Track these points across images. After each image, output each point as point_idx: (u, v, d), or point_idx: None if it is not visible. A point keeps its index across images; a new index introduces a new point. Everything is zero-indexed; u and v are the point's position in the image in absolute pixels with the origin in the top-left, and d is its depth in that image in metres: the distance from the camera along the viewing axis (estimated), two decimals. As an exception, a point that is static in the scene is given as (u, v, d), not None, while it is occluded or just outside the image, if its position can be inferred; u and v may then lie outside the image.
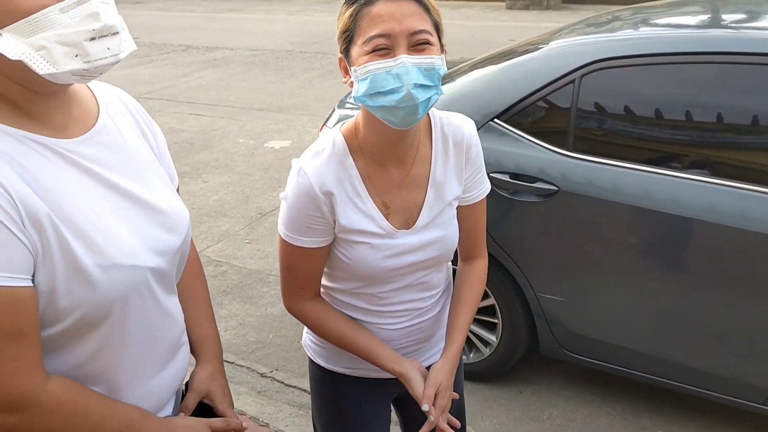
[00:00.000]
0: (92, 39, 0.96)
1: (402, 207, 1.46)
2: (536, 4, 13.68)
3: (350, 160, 1.41)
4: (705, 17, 3.03)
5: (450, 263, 1.67)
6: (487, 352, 2.99)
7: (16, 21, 0.93)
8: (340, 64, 1.38)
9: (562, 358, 2.83)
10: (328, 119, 3.39)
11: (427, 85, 1.28)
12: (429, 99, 1.29)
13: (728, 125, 2.49)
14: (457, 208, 1.55)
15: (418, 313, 1.59)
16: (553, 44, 2.83)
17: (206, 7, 16.42)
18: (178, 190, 1.30)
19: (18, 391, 0.97)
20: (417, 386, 1.47)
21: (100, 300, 1.03)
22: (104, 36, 0.98)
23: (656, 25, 2.97)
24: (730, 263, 2.38)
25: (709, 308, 2.45)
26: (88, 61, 0.97)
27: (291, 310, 1.56)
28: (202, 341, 1.36)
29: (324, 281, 1.58)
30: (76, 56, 0.96)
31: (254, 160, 5.94)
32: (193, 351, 1.35)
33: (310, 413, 1.83)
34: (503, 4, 14.24)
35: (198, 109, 7.55)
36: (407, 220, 1.47)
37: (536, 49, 2.90)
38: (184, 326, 1.29)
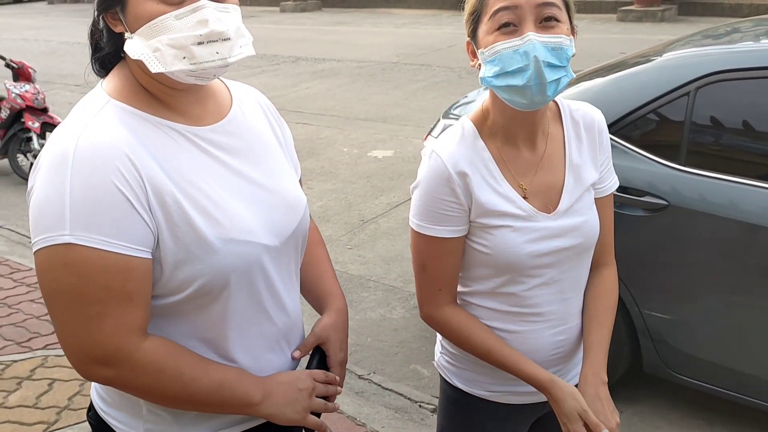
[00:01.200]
0: (200, 43, 1.07)
1: (540, 190, 1.40)
2: (649, 17, 13.24)
3: (481, 143, 1.37)
4: None
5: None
6: (587, 367, 2.93)
7: (141, 26, 1.07)
8: (467, 49, 1.36)
9: (667, 378, 2.74)
10: (432, 129, 3.43)
11: (556, 65, 1.24)
12: (558, 80, 1.26)
13: None
14: None
15: (563, 318, 1.47)
16: (666, 56, 2.77)
17: (316, 20, 16.91)
18: (300, 182, 1.39)
19: (114, 346, 1.07)
20: (566, 402, 1.33)
21: (219, 270, 1.12)
22: (213, 41, 1.08)
23: None
24: None
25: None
26: (195, 63, 1.08)
27: (428, 318, 1.46)
28: (327, 294, 1.43)
29: (458, 287, 1.49)
30: (184, 58, 1.07)
31: (357, 168, 6.07)
32: (319, 305, 1.42)
33: (419, 420, 1.81)
34: (614, 16, 13.87)
35: (305, 119, 7.78)
36: (547, 204, 1.40)
37: (647, 61, 2.84)
38: (301, 325, 1.36)
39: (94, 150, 1.04)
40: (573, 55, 1.28)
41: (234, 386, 1.18)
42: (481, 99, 3.34)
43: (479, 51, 1.31)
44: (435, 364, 1.64)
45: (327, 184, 5.74)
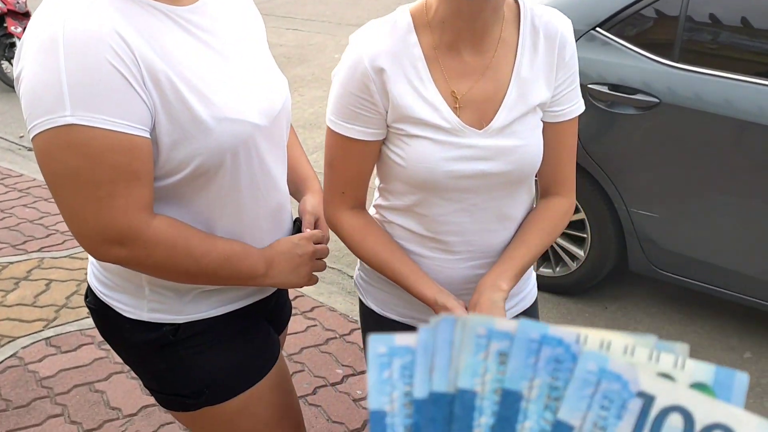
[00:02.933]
0: None
1: (476, 102, 1.20)
2: None
3: (414, 37, 1.18)
4: None
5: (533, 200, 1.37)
6: (574, 266, 3.00)
7: None
8: None
9: (652, 275, 2.81)
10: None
11: None
12: None
13: None
14: (542, 126, 1.28)
15: (484, 250, 1.30)
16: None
17: None
18: None
19: (126, 225, 1.08)
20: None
21: (215, 148, 1.13)
22: None
23: None
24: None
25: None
26: None
27: (329, 220, 1.33)
28: (304, 178, 1.47)
29: (377, 199, 1.36)
30: None
31: (349, 74, 5.98)
32: (296, 188, 1.45)
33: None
34: None
35: (295, 24, 7.62)
36: (480, 119, 1.20)
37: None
38: (290, 204, 1.38)
39: (85, 30, 1.02)
40: None
41: (240, 259, 1.22)
42: None
43: None
44: (354, 281, 1.51)
45: (318, 90, 5.67)
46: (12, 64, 5.97)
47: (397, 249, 1.29)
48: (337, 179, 1.28)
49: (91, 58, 1.01)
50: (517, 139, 1.21)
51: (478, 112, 1.20)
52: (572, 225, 2.94)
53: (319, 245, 1.35)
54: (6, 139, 4.88)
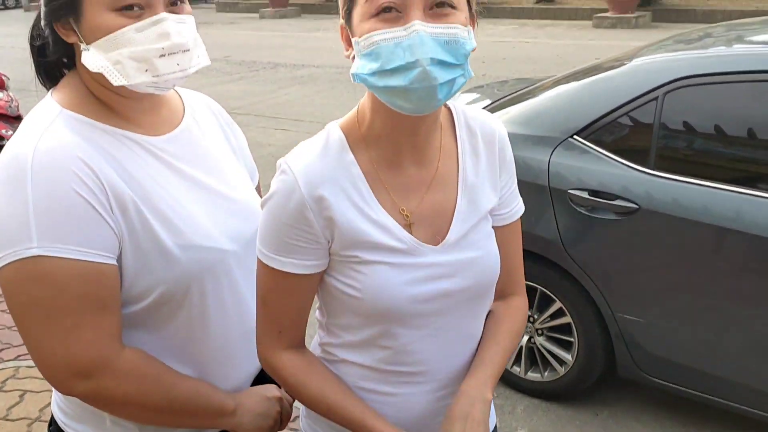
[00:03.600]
0: (161, 56, 1.08)
1: (427, 216, 1.13)
2: (624, 23, 13.40)
3: (350, 155, 1.10)
4: None
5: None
6: (562, 371, 2.95)
7: (99, 39, 1.06)
8: (341, 35, 1.09)
9: (641, 381, 2.76)
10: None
11: (449, 62, 0.98)
12: (452, 81, 1.00)
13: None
14: None
15: (450, 378, 1.20)
16: (636, 60, 2.80)
17: (295, 26, 16.90)
18: (259, 186, 1.40)
19: (96, 356, 1.06)
20: None
21: (180, 277, 1.12)
22: (174, 53, 1.09)
23: (748, 42, 2.89)
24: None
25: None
26: (157, 75, 1.08)
27: (265, 361, 1.19)
28: None
29: (323, 336, 1.23)
30: (146, 71, 1.07)
31: (336, 174, 6.05)
32: None
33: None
34: (590, 23, 14.02)
35: (283, 125, 7.76)
36: (434, 234, 1.13)
37: (621, 65, 2.87)
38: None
39: (52, 159, 1.03)
40: (473, 50, 1.02)
41: (210, 394, 1.19)
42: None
43: (353, 39, 1.04)
44: (300, 429, 1.34)
45: (305, 190, 5.72)
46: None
47: (347, 389, 1.17)
48: (272, 318, 1.16)
49: (58, 188, 1.02)
50: (475, 250, 1.15)
51: (431, 227, 1.13)
52: (559, 329, 2.91)
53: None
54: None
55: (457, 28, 0.99)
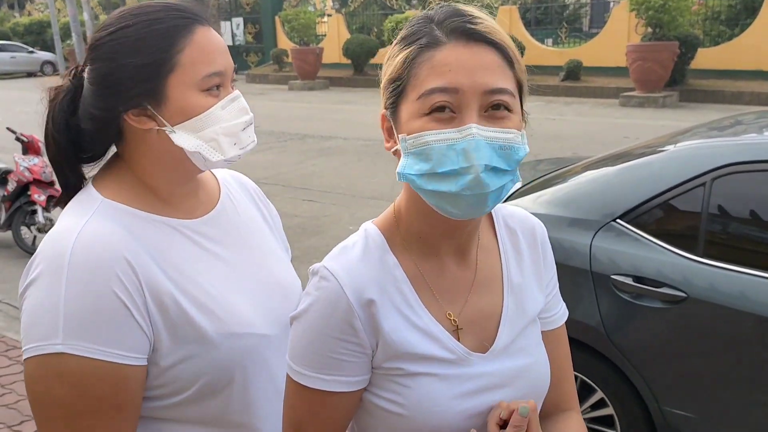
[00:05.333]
0: (244, 129, 1.13)
1: (473, 321, 1.05)
2: (651, 102, 13.48)
3: (392, 258, 1.02)
4: None
5: None
6: (603, 466, 2.79)
7: (187, 119, 1.07)
8: (382, 124, 1.02)
9: (689, 480, 2.59)
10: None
11: (502, 169, 0.92)
12: (502, 188, 0.94)
13: None
14: None
15: None
16: (680, 146, 2.76)
17: (322, 98, 17.26)
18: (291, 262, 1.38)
19: None
20: None
21: (221, 366, 1.10)
22: (249, 126, 1.16)
23: None
24: None
25: None
26: (242, 148, 1.14)
27: None
28: None
29: None
30: (235, 144, 1.12)
31: (363, 247, 6.01)
32: None
33: None
34: (617, 101, 14.14)
35: (311, 195, 7.80)
36: (482, 341, 1.05)
37: (654, 151, 2.84)
38: None
39: (91, 255, 1.02)
40: (524, 156, 0.96)
41: None
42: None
43: (400, 136, 0.97)
44: None
45: (332, 263, 5.68)
46: (31, 231, 6.06)
47: None
48: None
49: (94, 287, 1.00)
50: (525, 356, 1.07)
51: (479, 332, 1.05)
52: (600, 420, 2.77)
53: None
54: (16, 307, 4.83)
55: (513, 133, 0.94)
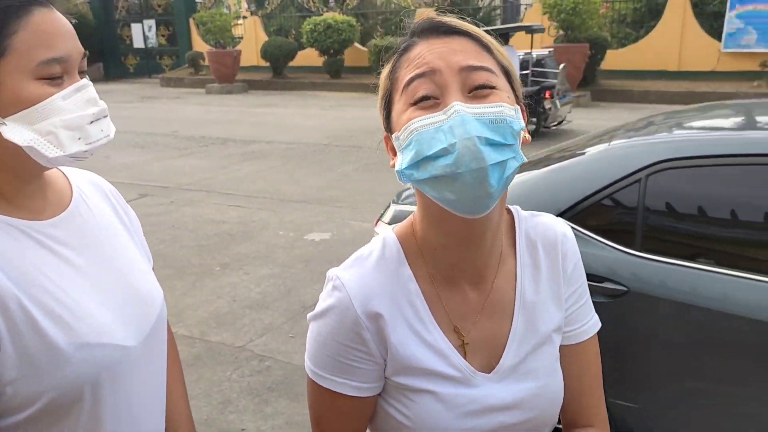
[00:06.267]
0: (92, 122, 1.04)
1: (481, 340, 1.04)
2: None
3: (407, 270, 1.02)
4: (740, 119, 3.16)
5: None
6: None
7: (21, 110, 0.98)
8: (386, 146, 1.02)
9: (633, 468, 2.67)
10: (383, 214, 3.38)
11: (498, 141, 0.88)
12: (504, 164, 0.89)
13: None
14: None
15: None
16: (616, 143, 2.84)
17: (242, 102, 16.97)
18: (152, 272, 1.29)
19: None
20: None
21: (72, 380, 1.00)
22: (99, 119, 1.05)
23: (689, 127, 3.07)
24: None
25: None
26: (89, 143, 1.04)
27: None
28: (176, 422, 1.33)
29: None
30: (79, 139, 1.02)
31: (295, 252, 5.94)
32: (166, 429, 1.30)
33: None
34: (533, 100, 14.53)
35: (237, 201, 7.64)
36: (489, 360, 1.04)
37: (576, 154, 2.93)
38: (164, 413, 1.24)
39: None
40: (523, 130, 0.94)
41: None
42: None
43: (393, 135, 0.97)
44: None
45: (264, 268, 5.58)
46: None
47: None
48: None
49: None
50: (533, 379, 1.05)
51: (486, 351, 1.04)
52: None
53: None
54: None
55: (502, 106, 0.91)
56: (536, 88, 10.81)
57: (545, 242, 1.10)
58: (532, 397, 1.04)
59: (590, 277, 2.52)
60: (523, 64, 11.12)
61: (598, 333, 2.12)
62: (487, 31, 0.99)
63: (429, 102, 0.92)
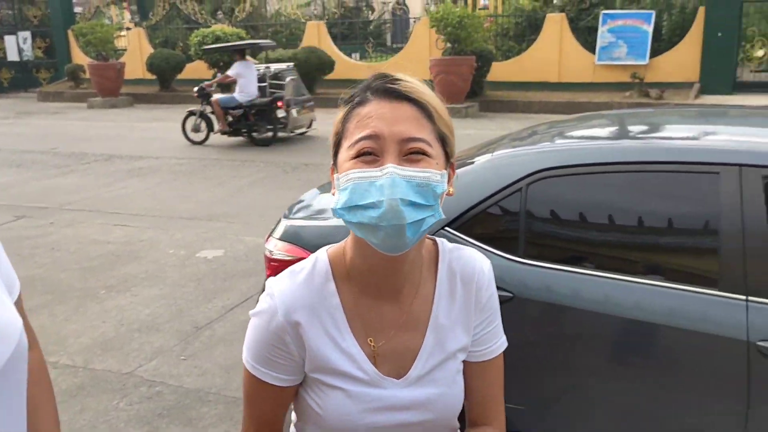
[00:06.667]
0: None
1: (394, 351, 1.22)
2: (455, 113, 14.29)
3: (332, 286, 1.20)
4: (615, 129, 3.35)
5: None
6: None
7: None
8: (331, 175, 1.20)
9: (524, 469, 2.75)
10: (274, 230, 3.34)
11: (420, 203, 1.07)
12: (422, 221, 1.08)
13: (670, 230, 2.60)
14: (464, 365, 1.30)
15: None
16: (498, 154, 2.93)
17: (128, 116, 16.36)
18: (20, 299, 1.20)
19: None
20: None
21: None
22: None
23: (569, 136, 3.21)
24: (694, 365, 2.42)
25: (676, 410, 2.46)
26: None
27: None
28: None
29: None
30: None
31: (186, 270, 5.76)
32: None
33: None
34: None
35: (123, 220, 7.34)
36: (398, 369, 1.22)
37: (465, 164, 2.99)
38: None
39: None
40: (446, 194, 1.13)
41: None
42: (318, 203, 3.35)
43: (335, 175, 1.16)
44: None
45: (153, 289, 5.37)
46: None
47: None
48: (252, 418, 1.28)
49: None
50: (436, 387, 1.23)
51: (396, 362, 1.22)
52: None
53: None
54: None
55: (430, 172, 1.09)
56: (268, 99, 11.99)
57: (464, 274, 1.27)
58: (431, 402, 1.23)
59: (478, 284, 2.61)
60: (262, 78, 12.41)
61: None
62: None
63: (369, 157, 1.10)
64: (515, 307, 2.56)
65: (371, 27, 24.47)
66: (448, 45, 14.77)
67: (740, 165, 2.43)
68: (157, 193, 8.59)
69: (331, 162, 1.19)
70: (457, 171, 2.89)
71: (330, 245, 1.27)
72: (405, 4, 31.70)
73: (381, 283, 1.21)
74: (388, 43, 25.55)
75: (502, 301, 2.55)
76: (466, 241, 2.70)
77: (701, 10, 14.86)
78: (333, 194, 1.16)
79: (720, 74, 14.48)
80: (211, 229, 6.93)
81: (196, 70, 18.83)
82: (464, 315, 1.27)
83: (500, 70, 16.17)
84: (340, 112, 1.18)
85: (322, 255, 1.24)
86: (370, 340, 1.21)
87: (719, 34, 14.38)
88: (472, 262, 1.28)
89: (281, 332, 1.18)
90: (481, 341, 1.30)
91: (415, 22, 19.76)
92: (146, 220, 7.33)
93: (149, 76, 19.37)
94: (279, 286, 1.20)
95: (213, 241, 6.56)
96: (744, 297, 2.34)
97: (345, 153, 1.14)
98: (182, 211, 7.66)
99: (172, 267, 5.84)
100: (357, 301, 1.21)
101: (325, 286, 1.20)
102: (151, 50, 19.90)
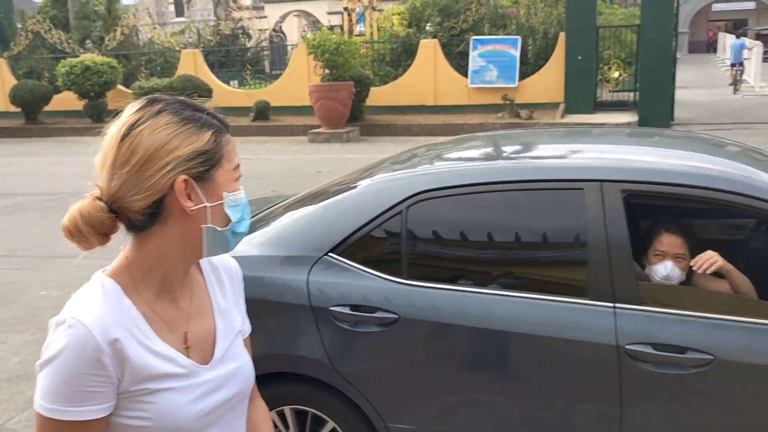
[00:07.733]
0: None
1: (198, 341, 1.35)
2: (337, 138, 14.46)
3: (127, 300, 1.25)
4: (489, 150, 3.51)
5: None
6: (342, 492, 2.87)
7: None
8: (184, 188, 1.24)
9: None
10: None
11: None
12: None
13: (544, 244, 2.75)
14: None
15: None
16: (377, 178, 2.99)
17: (-10, 151, 15.32)
18: None
19: None
20: None
21: None
22: None
23: (455, 159, 3.33)
24: (572, 373, 2.55)
25: (561, 417, 2.58)
26: None
27: None
28: None
29: None
30: None
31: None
32: None
33: None
34: (306, 138, 14.87)
35: (-11, 262, 6.86)
36: (204, 356, 1.36)
37: (349, 187, 3.04)
38: None
39: None
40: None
41: None
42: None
43: (224, 194, 1.29)
44: None
45: (24, 335, 5.04)
46: None
47: None
48: None
49: None
50: (235, 361, 1.41)
51: (202, 349, 1.35)
52: (333, 448, 2.85)
53: None
54: None
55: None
56: None
57: (224, 267, 1.49)
58: (235, 375, 1.39)
59: (363, 308, 2.64)
60: None
61: (378, 362, 2.52)
62: None
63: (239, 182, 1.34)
64: (401, 329, 2.61)
65: (249, 54, 24.29)
66: (326, 71, 14.90)
67: (601, 180, 2.61)
68: (27, 232, 8.09)
69: (184, 176, 1.23)
70: (340, 196, 2.98)
71: (103, 268, 1.32)
72: (282, 32, 31.76)
73: (173, 284, 1.32)
74: (267, 70, 25.43)
75: (388, 323, 2.62)
76: (350, 266, 2.73)
77: (562, 35, 15.79)
78: (188, 207, 1.24)
79: (582, 95, 15.42)
80: (88, 267, 6.57)
81: (66, 101, 17.95)
82: (235, 299, 1.48)
83: (379, 95, 16.47)
84: (198, 130, 1.26)
85: (104, 278, 1.28)
86: (184, 335, 1.33)
87: (579, 58, 15.32)
88: (228, 258, 1.50)
89: (99, 354, 1.18)
90: (244, 321, 1.51)
91: (293, 48, 19.79)
92: (15, 261, 6.89)
93: (13, 108, 18.27)
94: (82, 312, 1.20)
95: (89, 279, 6.23)
96: (611, 304, 2.51)
97: (228, 174, 1.30)
98: (55, 250, 7.24)
99: (45, 310, 5.50)
100: (153, 307, 1.29)
101: (122, 302, 1.25)
102: (14, 81, 18.80)
